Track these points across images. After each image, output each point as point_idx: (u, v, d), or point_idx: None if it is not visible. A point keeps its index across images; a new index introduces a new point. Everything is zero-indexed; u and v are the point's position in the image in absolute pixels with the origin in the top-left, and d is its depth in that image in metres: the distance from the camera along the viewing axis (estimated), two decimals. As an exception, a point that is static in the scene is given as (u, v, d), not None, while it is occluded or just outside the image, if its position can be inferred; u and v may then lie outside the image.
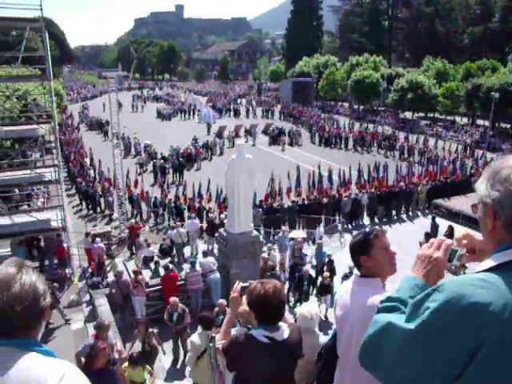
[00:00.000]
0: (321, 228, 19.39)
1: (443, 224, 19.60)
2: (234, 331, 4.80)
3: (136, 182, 23.79)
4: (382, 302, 1.64)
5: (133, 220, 19.69)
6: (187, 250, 17.01)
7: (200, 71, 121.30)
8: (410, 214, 23.67)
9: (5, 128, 16.96)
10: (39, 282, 1.69)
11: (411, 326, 1.36)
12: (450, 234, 17.36)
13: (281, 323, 3.09)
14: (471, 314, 1.27)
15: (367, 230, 2.96)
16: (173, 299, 10.90)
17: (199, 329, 7.46)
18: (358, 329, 2.60)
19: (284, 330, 3.05)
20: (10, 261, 1.74)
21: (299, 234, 18.73)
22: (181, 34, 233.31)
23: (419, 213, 23.81)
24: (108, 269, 15.02)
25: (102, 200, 23.46)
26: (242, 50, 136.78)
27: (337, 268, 15.02)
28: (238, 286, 3.43)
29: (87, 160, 29.66)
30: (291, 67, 78.01)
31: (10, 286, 1.62)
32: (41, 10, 14.96)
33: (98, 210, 23.56)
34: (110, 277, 14.51)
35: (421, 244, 18.13)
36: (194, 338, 7.01)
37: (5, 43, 26.80)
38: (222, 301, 9.59)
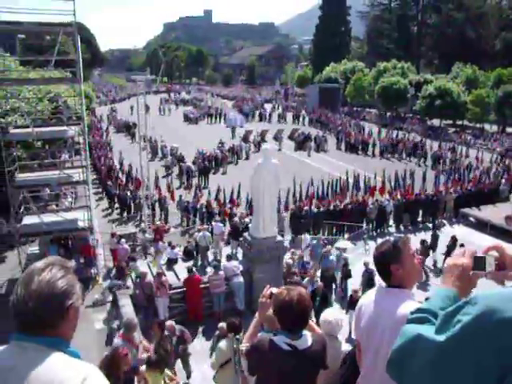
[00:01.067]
0: (306, 235, 19.04)
1: (471, 234, 19.29)
2: (259, 335, 4.83)
3: (169, 187, 24.05)
4: (412, 313, 1.61)
5: (158, 222, 19.91)
6: (211, 254, 17.10)
7: (227, 75, 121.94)
8: (437, 222, 23.29)
9: (36, 129, 17.35)
10: (64, 280, 1.69)
11: (441, 338, 1.33)
12: (452, 244, 17.12)
13: (305, 332, 3.09)
14: (502, 331, 1.21)
15: (391, 238, 2.94)
16: (168, 324, 9.93)
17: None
18: (387, 341, 2.52)
19: (307, 339, 3.04)
20: (49, 258, 1.78)
21: (346, 244, 18.32)
22: (209, 38, 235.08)
23: (446, 222, 23.43)
24: (129, 272, 15.22)
25: (130, 202, 23.73)
26: (270, 54, 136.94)
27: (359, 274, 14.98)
28: (268, 290, 3.45)
29: (116, 163, 30.08)
30: (318, 73, 77.77)
31: (29, 282, 1.65)
32: (74, 15, 15.30)
33: (126, 211, 23.88)
34: (130, 280, 14.74)
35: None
36: (222, 344, 7.22)
37: (39, 47, 27.38)
38: (222, 325, 9.23)
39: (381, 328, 2.67)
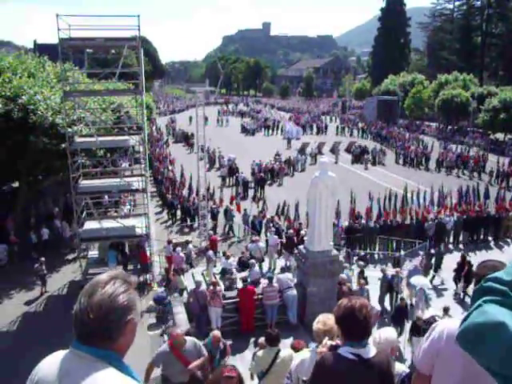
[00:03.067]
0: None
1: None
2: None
3: (232, 199, 24.22)
4: (487, 279, 1.53)
5: (211, 232, 20.15)
6: (265, 265, 17.11)
7: (285, 87, 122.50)
8: (500, 242, 22.33)
9: (100, 138, 18.07)
10: (126, 295, 1.72)
11: None
12: (462, 262, 16.54)
13: (370, 343, 3.07)
14: None
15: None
16: (216, 334, 9.34)
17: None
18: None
19: (371, 349, 3.02)
20: (114, 272, 1.83)
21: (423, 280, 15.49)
22: (267, 50, 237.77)
23: (510, 241, 22.41)
24: (175, 284, 15.40)
25: (191, 211, 24.15)
26: (327, 67, 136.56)
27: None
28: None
29: (177, 174, 30.71)
30: (377, 85, 76.82)
31: (93, 293, 1.68)
32: (138, 30, 15.89)
33: (185, 220, 24.35)
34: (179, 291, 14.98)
35: (421, 264, 17.15)
36: (260, 352, 7.55)
37: (104, 60, 28.61)
38: (217, 333, 9.16)
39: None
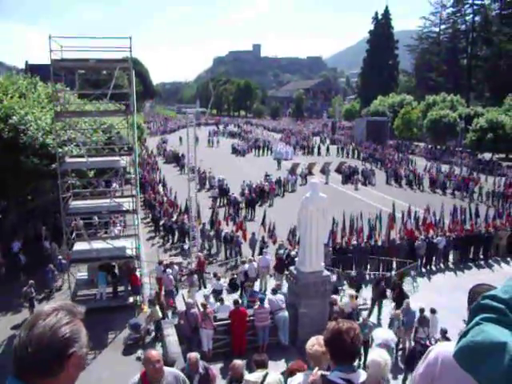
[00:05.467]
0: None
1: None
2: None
3: (241, 225, 23.47)
4: (485, 297, 1.54)
5: (200, 253, 20.06)
6: (256, 286, 17.04)
7: (275, 108, 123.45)
8: (490, 260, 22.43)
9: (90, 159, 18.04)
10: (68, 327, 1.60)
11: None
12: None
13: (360, 369, 3.06)
14: None
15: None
16: (193, 357, 8.54)
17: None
18: None
19: (361, 374, 3.01)
20: (59, 303, 1.71)
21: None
22: (257, 72, 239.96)
23: (500, 260, 22.52)
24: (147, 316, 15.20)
25: (183, 232, 24.04)
26: (317, 88, 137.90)
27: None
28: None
29: (167, 193, 30.63)
30: (366, 106, 77.74)
31: (33, 326, 1.57)
32: (130, 51, 16.01)
33: (175, 241, 24.26)
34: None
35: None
36: (249, 376, 7.37)
37: (95, 81, 28.73)
38: (194, 355, 8.61)
39: None
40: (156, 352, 5.64)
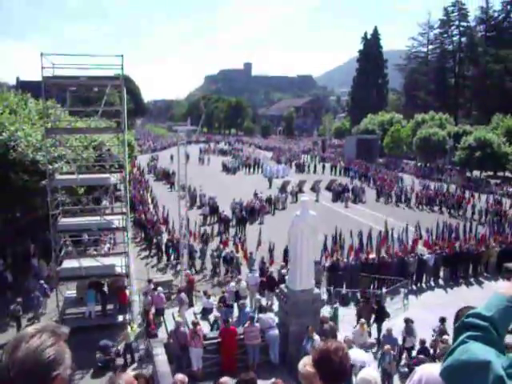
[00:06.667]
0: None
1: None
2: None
3: (242, 246, 23.07)
4: (469, 315, 1.57)
5: (188, 271, 19.97)
6: (247, 305, 16.93)
7: (265, 127, 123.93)
8: (479, 277, 22.51)
9: (81, 176, 17.98)
10: (53, 349, 1.55)
11: None
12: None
13: None
14: None
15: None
16: (180, 378, 8.07)
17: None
18: None
19: None
20: (42, 324, 1.66)
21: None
22: (248, 90, 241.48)
23: (489, 276, 22.61)
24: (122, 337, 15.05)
25: (170, 250, 24.05)
26: (307, 106, 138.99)
27: (399, 330, 14.52)
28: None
29: (157, 211, 30.49)
30: (356, 124, 78.39)
31: (15, 349, 1.52)
32: (122, 69, 16.09)
33: (165, 258, 24.18)
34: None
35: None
36: None
37: (86, 98, 28.77)
38: (181, 377, 8.06)
39: None
40: (128, 376, 5.41)
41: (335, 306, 16.76)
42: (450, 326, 13.73)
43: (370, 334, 15.64)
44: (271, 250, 22.08)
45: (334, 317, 15.71)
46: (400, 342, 14.25)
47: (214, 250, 22.62)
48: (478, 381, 1.37)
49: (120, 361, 14.46)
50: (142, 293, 17.50)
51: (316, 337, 12.09)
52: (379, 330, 15.67)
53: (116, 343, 14.82)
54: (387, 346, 12.83)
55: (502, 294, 1.62)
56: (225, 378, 8.53)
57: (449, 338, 12.93)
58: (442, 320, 14.29)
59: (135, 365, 14.34)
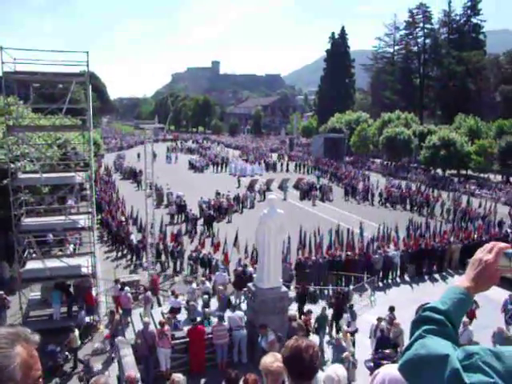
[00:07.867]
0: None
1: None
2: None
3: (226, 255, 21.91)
4: (425, 309, 1.60)
5: (152, 271, 19.80)
6: (214, 304, 16.85)
7: (233, 125, 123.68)
8: (444, 273, 23.05)
9: (44, 175, 17.57)
10: (15, 351, 1.43)
11: (467, 381, 1.32)
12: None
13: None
14: None
15: None
16: (131, 376, 8.33)
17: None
18: None
19: None
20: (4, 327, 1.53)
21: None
22: (216, 88, 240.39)
23: (452, 272, 23.17)
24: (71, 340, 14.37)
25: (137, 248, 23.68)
26: (275, 105, 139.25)
27: (366, 327, 14.69)
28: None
29: (124, 211, 30.05)
30: (323, 123, 79.03)
31: None
32: (87, 65, 15.79)
33: (131, 257, 23.88)
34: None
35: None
36: None
37: (51, 95, 28.09)
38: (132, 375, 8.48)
39: None
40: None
41: (323, 306, 16.62)
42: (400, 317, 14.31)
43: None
44: (252, 251, 21.25)
45: (322, 318, 15.25)
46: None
47: (193, 251, 22.24)
48: (436, 374, 1.40)
49: (68, 366, 14.01)
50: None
51: (270, 334, 12.05)
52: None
53: (63, 348, 14.15)
54: (347, 353, 12.70)
55: (456, 286, 1.67)
56: (175, 375, 8.49)
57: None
58: (391, 309, 14.99)
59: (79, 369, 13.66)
